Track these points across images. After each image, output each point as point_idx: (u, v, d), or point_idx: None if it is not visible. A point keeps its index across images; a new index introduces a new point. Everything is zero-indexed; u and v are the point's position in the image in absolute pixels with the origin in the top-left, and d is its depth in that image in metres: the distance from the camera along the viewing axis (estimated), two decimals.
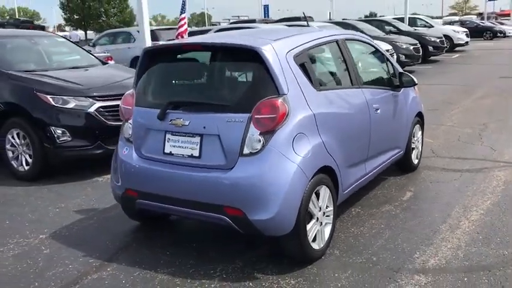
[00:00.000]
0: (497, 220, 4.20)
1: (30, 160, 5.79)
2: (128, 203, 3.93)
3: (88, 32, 52.01)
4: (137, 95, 3.89)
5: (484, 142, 6.88)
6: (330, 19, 33.05)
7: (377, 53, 5.04)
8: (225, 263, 3.64)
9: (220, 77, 3.84)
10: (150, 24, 10.04)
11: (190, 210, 3.54)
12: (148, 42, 8.61)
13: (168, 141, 3.64)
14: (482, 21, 41.97)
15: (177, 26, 4.97)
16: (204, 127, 3.45)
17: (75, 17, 52.36)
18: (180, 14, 5.30)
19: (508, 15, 64.10)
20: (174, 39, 4.38)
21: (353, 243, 3.88)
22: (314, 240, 3.56)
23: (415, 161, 5.69)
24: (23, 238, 4.22)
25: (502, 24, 43.58)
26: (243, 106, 3.37)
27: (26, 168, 5.83)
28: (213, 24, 51.08)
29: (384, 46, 14.18)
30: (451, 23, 33.40)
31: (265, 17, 42.63)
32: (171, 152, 3.62)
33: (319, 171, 3.52)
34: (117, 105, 5.78)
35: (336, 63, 4.28)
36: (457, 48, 23.98)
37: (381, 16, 34.14)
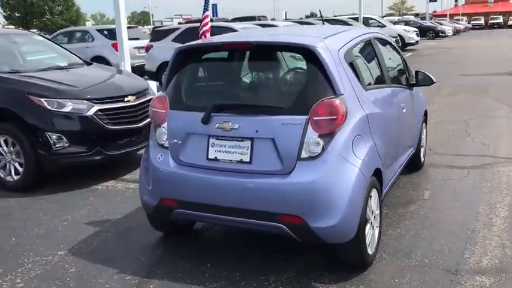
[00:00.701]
0: None
1: (20, 169, 5.33)
2: (164, 213, 3.66)
3: (32, 31, 49.48)
4: (171, 97, 3.62)
5: (475, 139, 7.04)
6: (285, 18, 33.22)
7: (395, 51, 5.01)
8: (275, 273, 3.45)
9: (269, 77, 3.65)
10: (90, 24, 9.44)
11: (241, 219, 3.32)
12: (125, 42, 8.23)
13: (212, 147, 3.40)
14: (425, 21, 43.73)
15: (200, 25, 4.69)
16: (257, 131, 3.24)
17: (17, 14, 49.59)
18: (204, 12, 4.97)
19: (445, 15, 67.15)
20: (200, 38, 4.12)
21: (397, 246, 3.80)
22: (368, 245, 3.45)
23: (423, 159, 5.73)
24: (39, 256, 3.83)
25: (441, 24, 45.66)
26: (299, 108, 3.20)
27: (16, 177, 5.36)
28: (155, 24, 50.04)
29: None
30: (397, 22, 34.44)
31: (213, 16, 42.25)
32: (216, 157, 3.39)
33: (372, 174, 3.42)
34: (117, 108, 5.54)
35: (373, 62, 4.19)
36: (407, 48, 24.77)
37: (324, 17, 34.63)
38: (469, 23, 69.06)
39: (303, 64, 3.38)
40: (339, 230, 3.14)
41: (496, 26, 67.45)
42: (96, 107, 5.35)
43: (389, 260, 3.60)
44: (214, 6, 45.33)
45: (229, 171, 3.34)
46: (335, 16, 27.59)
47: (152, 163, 3.62)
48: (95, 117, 5.33)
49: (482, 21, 71.17)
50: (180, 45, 3.71)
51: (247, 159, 3.29)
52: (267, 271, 3.47)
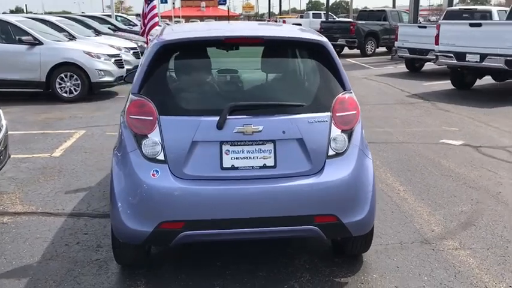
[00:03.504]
0: None
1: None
2: (162, 241, 3.07)
3: None
4: (159, 101, 3.02)
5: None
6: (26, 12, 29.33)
7: None
8: (292, 278, 3.31)
9: (283, 74, 3.36)
10: None
11: (267, 229, 3.05)
12: None
13: (227, 154, 3.01)
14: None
15: (142, 18, 3.59)
16: (284, 131, 3.02)
17: None
18: (150, 3, 3.76)
19: (167, 17, 70.22)
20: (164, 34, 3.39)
21: None
22: None
23: None
24: None
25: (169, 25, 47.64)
26: (320, 104, 3.13)
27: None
28: None
29: (130, 44, 13.92)
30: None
31: None
32: (233, 165, 3.01)
33: None
34: None
35: None
36: None
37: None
38: None
39: (314, 60, 3.28)
40: (366, 221, 3.22)
41: None
42: None
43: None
44: None
45: (250, 179, 3.03)
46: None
47: (143, 182, 2.97)
48: None
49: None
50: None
51: (272, 164, 3.04)
52: (287, 277, 3.30)
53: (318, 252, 3.70)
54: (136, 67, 14.48)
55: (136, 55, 13.79)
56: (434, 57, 11.78)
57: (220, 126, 2.96)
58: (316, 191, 3.05)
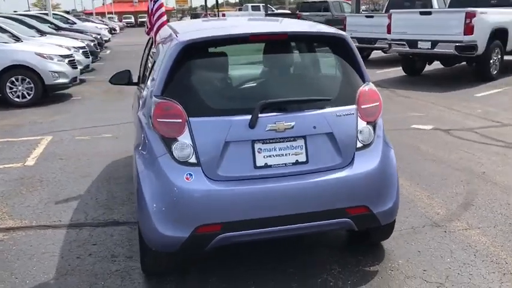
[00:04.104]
0: None
1: None
2: (198, 246, 2.98)
3: None
4: (187, 102, 2.93)
5: None
6: None
7: None
8: (323, 272, 3.34)
9: (307, 69, 3.33)
10: None
11: (301, 225, 3.05)
12: None
13: (259, 152, 2.97)
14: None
15: (148, 16, 3.27)
16: (315, 127, 3.03)
17: None
18: (156, 1, 3.44)
19: (99, 13, 68.02)
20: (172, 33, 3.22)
21: None
22: None
23: None
24: None
25: (103, 22, 46.20)
26: (346, 97, 3.16)
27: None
28: None
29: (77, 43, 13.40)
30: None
31: None
32: (266, 164, 2.98)
33: None
34: None
35: None
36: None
37: None
38: (121, 21, 72.09)
39: (334, 53, 3.28)
40: (393, 210, 3.30)
41: (144, 24, 72.68)
42: None
43: None
44: None
45: (284, 176, 3.01)
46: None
47: (178, 187, 2.88)
48: None
49: (132, 19, 75.49)
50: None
51: (304, 159, 3.04)
52: (316, 273, 3.32)
53: (336, 244, 3.75)
54: (87, 67, 13.89)
55: (86, 54, 13.28)
56: (386, 45, 12.17)
57: (252, 124, 2.91)
58: (348, 184, 3.08)
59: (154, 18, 3.32)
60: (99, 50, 16.04)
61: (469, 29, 10.42)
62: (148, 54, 4.08)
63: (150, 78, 3.31)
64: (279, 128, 2.96)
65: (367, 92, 3.22)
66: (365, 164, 3.14)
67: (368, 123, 3.19)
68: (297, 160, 3.03)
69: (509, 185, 4.83)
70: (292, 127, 2.98)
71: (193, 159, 2.92)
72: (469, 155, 5.85)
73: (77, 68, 10.91)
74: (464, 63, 11.86)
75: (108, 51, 21.99)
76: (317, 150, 3.06)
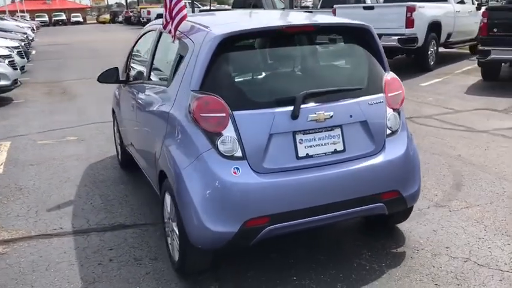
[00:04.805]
0: None
1: None
2: (246, 240, 2.96)
3: None
4: (229, 96, 2.89)
5: None
6: None
7: None
8: (355, 257, 3.44)
9: (334, 60, 3.36)
10: None
11: (339, 212, 3.12)
12: None
13: (300, 143, 3.01)
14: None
15: (165, 10, 2.92)
16: (351, 115, 3.11)
17: None
18: None
19: (5, 12, 63.77)
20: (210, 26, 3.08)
21: None
22: None
23: None
24: None
25: (16, 20, 43.48)
26: (375, 86, 3.27)
27: None
28: None
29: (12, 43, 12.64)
30: None
31: None
32: (307, 154, 3.02)
33: None
34: None
35: None
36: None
37: None
38: (33, 20, 68.20)
39: (359, 44, 3.36)
40: (418, 192, 3.46)
41: (60, 23, 69.28)
42: None
43: None
44: None
45: (324, 165, 3.07)
46: None
47: (226, 181, 2.86)
48: None
49: (46, 18, 71.62)
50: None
51: (341, 148, 3.11)
52: (338, 266, 3.41)
53: (355, 230, 3.86)
54: (22, 68, 12.97)
55: (21, 55, 12.51)
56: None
57: (295, 115, 2.94)
58: (382, 170, 3.19)
59: (174, 13, 3.21)
60: (30, 50, 15.09)
61: (410, 23, 11.03)
62: (155, 50, 3.96)
63: (178, 73, 3.22)
64: (319, 118, 3.00)
65: (391, 81, 3.35)
66: (395, 150, 3.27)
67: (394, 110, 3.32)
68: (335, 149, 3.10)
69: (486, 165, 5.21)
70: (331, 117, 3.04)
71: (238, 153, 2.89)
72: (438, 139, 6.22)
73: (17, 69, 10.26)
74: (404, 55, 12.50)
75: (33, 52, 20.74)
76: (353, 138, 3.15)
